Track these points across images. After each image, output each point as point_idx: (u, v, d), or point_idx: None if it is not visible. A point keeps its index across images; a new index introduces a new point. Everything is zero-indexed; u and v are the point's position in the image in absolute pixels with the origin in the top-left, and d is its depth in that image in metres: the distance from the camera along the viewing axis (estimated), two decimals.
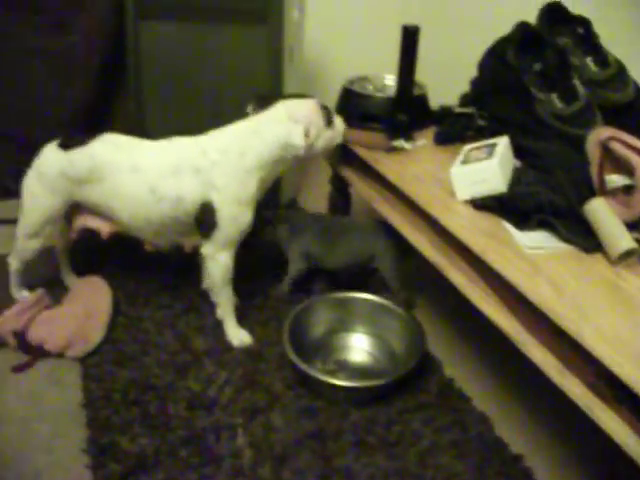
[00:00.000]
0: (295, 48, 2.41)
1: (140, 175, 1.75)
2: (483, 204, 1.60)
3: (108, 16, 2.58)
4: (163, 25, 2.30)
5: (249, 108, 1.83)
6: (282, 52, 2.28)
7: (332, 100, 2.17)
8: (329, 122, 1.77)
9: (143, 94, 2.35)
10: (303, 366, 1.62)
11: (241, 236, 1.79)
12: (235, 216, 1.74)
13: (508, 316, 1.42)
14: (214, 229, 1.74)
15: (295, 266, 2.03)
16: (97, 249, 2.21)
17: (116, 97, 2.78)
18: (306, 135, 1.68)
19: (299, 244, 2.01)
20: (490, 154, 1.63)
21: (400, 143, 1.95)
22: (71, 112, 2.71)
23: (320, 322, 1.85)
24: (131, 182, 1.76)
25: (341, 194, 2.25)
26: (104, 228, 1.93)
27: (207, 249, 1.79)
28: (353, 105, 2.13)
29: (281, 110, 1.72)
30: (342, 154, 2.10)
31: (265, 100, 1.80)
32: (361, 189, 2.00)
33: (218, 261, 1.79)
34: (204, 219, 1.74)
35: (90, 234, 1.98)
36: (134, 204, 1.78)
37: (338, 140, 1.85)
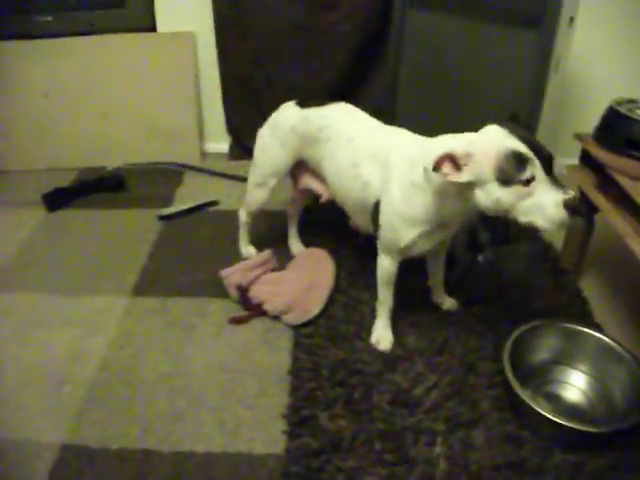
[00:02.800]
0: (562, 59, 2.28)
1: (352, 146, 1.74)
2: None
3: (372, 0, 2.62)
4: (430, 15, 2.28)
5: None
6: (549, 61, 2.15)
7: (590, 121, 2.03)
8: (508, 182, 1.34)
9: (399, 80, 2.35)
10: (519, 391, 1.53)
11: (397, 249, 1.66)
12: (393, 228, 1.62)
13: None
14: (377, 228, 1.68)
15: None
16: (324, 224, 2.26)
17: (366, 80, 2.83)
18: (453, 169, 1.38)
19: None
20: None
21: None
22: (322, 87, 2.80)
23: (541, 348, 1.73)
24: (343, 150, 1.76)
25: (584, 220, 2.10)
26: (324, 192, 1.96)
27: (378, 245, 1.73)
28: (618, 128, 1.96)
29: (467, 135, 1.46)
30: (597, 177, 1.96)
31: (513, 120, 1.47)
32: (613, 220, 1.84)
33: (380, 261, 1.74)
34: (374, 215, 1.68)
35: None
36: (338, 172, 1.78)
37: (534, 219, 1.36)
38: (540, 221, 1.35)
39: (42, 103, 2.93)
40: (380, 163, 1.65)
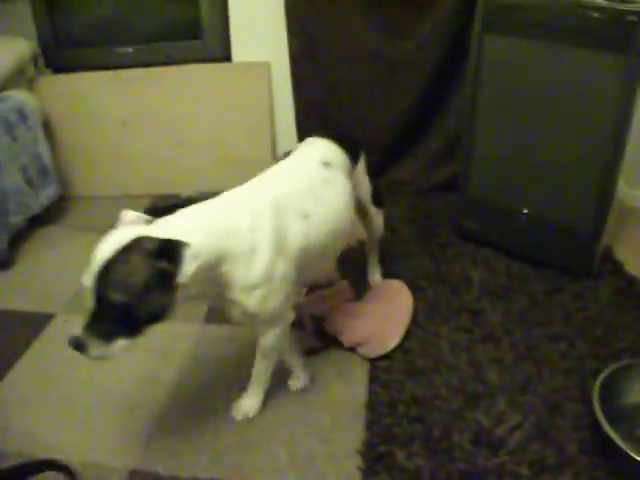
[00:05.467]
0: None
1: None
2: None
3: (448, 27, 2.59)
4: (509, 40, 2.21)
5: None
6: (637, 89, 2.06)
7: None
8: None
9: (476, 107, 2.29)
10: (612, 433, 1.43)
11: None
12: None
13: None
14: None
15: None
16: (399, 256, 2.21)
17: (441, 108, 2.78)
18: None
19: None
20: None
21: None
22: (396, 115, 2.76)
23: (632, 390, 1.63)
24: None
25: None
26: None
27: None
28: None
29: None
30: None
31: None
32: None
33: None
34: None
35: None
36: None
37: None
38: None
39: (120, 131, 2.99)
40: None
